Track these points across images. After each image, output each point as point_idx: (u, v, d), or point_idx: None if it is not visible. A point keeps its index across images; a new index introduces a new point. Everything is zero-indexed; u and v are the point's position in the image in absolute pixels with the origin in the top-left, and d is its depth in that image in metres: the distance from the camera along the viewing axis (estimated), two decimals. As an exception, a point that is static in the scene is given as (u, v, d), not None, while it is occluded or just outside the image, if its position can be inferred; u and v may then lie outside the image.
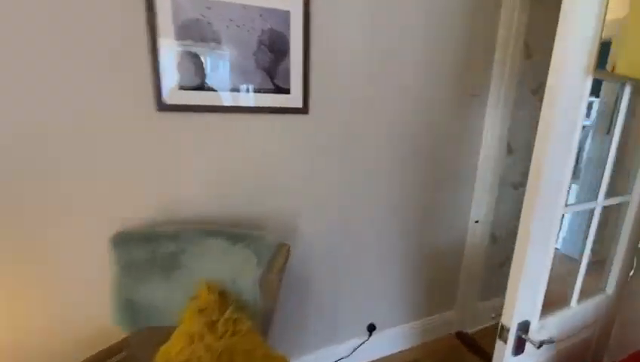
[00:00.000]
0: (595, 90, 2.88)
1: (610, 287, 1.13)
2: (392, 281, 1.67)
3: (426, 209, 1.64)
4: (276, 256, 1.02)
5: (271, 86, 1.16)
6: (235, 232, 1.04)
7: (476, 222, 1.78)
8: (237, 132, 1.16)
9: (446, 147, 1.60)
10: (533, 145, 2.03)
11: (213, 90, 1.09)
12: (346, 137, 1.35)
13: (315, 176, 1.33)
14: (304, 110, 1.23)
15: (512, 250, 2.06)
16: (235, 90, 1.12)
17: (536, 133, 1.92)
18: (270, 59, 1.14)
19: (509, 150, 1.79)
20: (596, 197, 1.00)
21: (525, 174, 1.89)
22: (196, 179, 1.14)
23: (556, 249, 3.23)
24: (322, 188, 1.36)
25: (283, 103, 1.19)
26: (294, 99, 1.21)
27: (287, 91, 1.19)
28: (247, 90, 1.13)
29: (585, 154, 2.91)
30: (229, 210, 1.19)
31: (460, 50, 1.49)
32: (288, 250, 1.04)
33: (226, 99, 1.11)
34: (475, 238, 1.80)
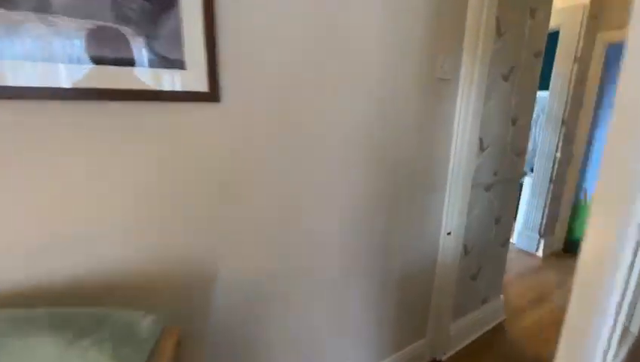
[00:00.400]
0: (545, 84, 2.82)
1: (635, 326, 0.87)
2: (352, 320, 1.30)
3: (392, 225, 1.30)
4: (159, 353, 0.57)
5: (148, 54, 0.69)
6: (77, 317, 0.57)
7: (448, 234, 1.49)
8: (91, 136, 0.68)
9: (413, 146, 1.26)
10: (507, 140, 1.70)
11: (32, 60, 0.60)
12: (283, 136, 0.93)
13: (238, 198, 0.89)
14: (212, 96, 0.79)
15: (485, 260, 1.81)
16: (81, 60, 0.63)
17: (508, 126, 1.61)
18: (143, 10, 0.67)
19: (481, 146, 1.52)
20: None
21: (497, 173, 1.65)
22: (6, 221, 0.63)
23: (512, 243, 3.16)
24: (249, 216, 0.93)
25: (172, 85, 0.73)
26: (193, 78, 0.75)
27: (178, 65, 0.73)
28: (101, 62, 0.65)
29: (538, 146, 2.84)
30: (76, 272, 0.70)
31: (426, 25, 1.15)
32: (178, 339, 0.59)
33: (59, 76, 0.62)
34: (447, 253, 1.51)
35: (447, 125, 1.36)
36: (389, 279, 1.36)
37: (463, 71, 1.32)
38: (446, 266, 1.52)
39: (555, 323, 1.98)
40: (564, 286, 2.45)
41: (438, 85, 1.27)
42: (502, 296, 1.99)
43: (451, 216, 1.46)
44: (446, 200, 1.45)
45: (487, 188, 1.63)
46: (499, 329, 1.91)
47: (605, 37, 2.58)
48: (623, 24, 2.49)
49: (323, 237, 1.11)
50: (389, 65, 1.10)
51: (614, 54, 2.76)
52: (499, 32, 1.40)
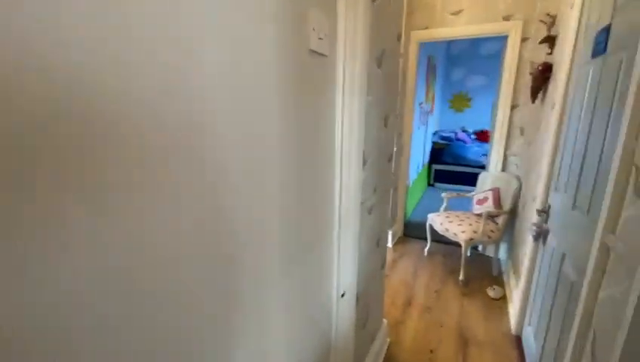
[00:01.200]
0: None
1: None
2: None
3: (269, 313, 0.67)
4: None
5: None
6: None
7: (342, 295, 1.00)
8: None
9: (282, 171, 0.66)
10: (382, 145, 1.25)
11: None
12: None
13: None
14: None
15: (371, 295, 1.45)
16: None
17: (382, 127, 1.18)
18: None
19: (363, 159, 1.09)
20: None
21: (377, 188, 1.28)
22: None
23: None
24: None
25: None
26: None
27: None
28: None
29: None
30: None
31: None
32: None
33: None
34: (343, 320, 1.03)
35: (328, 135, 0.82)
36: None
37: (342, 43, 0.80)
38: (344, 340, 1.03)
39: (432, 328, 1.90)
40: (418, 274, 2.53)
41: (312, 64, 0.70)
42: (385, 320, 1.74)
43: (344, 270, 0.97)
44: (335, 250, 0.94)
45: (370, 211, 1.24)
46: (389, 360, 1.65)
47: (417, 35, 2.75)
48: (429, 24, 2.70)
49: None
50: (232, 40, 0.43)
51: (422, 53, 3.04)
52: (372, -6, 0.97)
